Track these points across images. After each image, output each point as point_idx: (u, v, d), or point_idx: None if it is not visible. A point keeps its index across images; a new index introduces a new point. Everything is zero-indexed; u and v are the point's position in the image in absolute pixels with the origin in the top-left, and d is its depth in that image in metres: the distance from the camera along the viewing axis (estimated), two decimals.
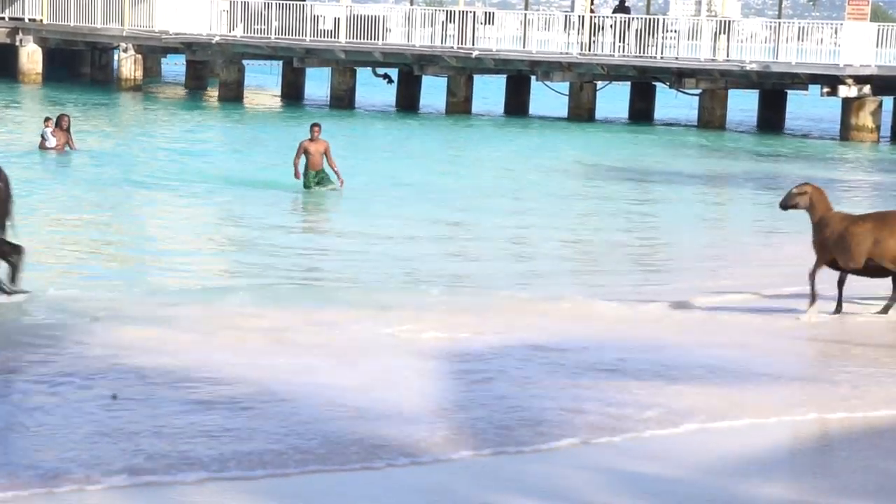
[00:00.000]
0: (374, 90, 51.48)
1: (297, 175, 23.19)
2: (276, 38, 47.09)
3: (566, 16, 46.44)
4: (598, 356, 10.62)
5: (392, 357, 10.41)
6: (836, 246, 12.12)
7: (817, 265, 12.41)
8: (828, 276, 12.53)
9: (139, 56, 49.67)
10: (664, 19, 45.55)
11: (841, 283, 12.50)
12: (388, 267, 16.09)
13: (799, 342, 11.56)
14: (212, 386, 9.19)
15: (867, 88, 40.50)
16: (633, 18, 44.24)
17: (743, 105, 48.93)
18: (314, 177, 23.18)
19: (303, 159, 23.22)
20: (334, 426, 8.31)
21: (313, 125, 23.57)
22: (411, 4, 50.52)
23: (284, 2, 47.12)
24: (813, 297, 12.31)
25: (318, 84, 50.61)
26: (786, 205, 12.70)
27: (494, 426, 8.41)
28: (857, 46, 40.52)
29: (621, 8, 46.01)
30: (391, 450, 7.84)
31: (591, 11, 45.93)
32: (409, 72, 47.56)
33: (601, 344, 11.14)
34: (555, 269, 16.78)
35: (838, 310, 12.46)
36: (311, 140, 23.20)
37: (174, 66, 58.24)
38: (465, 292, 14.17)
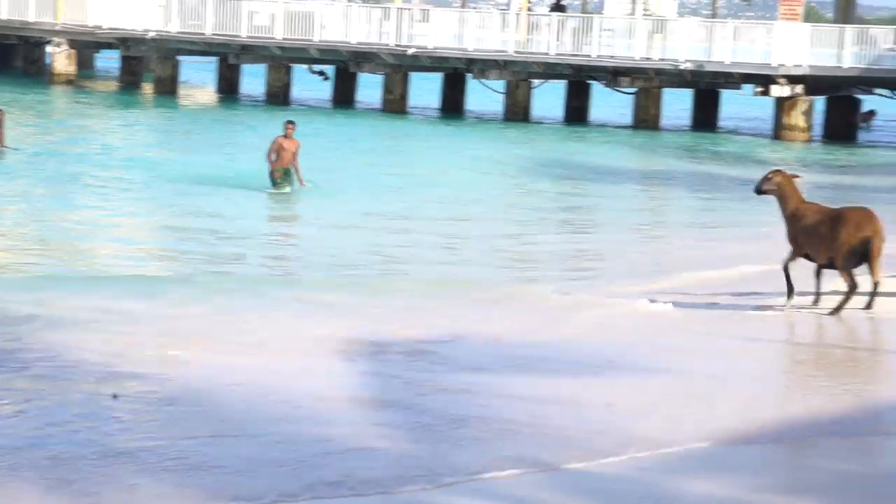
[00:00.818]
0: (310, 87, 51.33)
1: (276, 176, 22.68)
2: (211, 34, 46.82)
3: (503, 14, 46.50)
4: (523, 352, 10.63)
5: (306, 354, 10.36)
6: (813, 241, 12.16)
7: (791, 257, 12.44)
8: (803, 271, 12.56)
9: (72, 51, 49.22)
10: (600, 18, 45.71)
11: (818, 274, 12.41)
12: (317, 260, 16.08)
13: (737, 342, 11.59)
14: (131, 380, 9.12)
15: (800, 88, 40.85)
16: (568, 17, 44.39)
17: (677, 104, 49.23)
18: (283, 173, 22.78)
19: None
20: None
21: (288, 122, 23.20)
22: (348, 1, 50.38)
23: None
24: (789, 292, 12.38)
25: (254, 80, 50.38)
26: (759, 189, 12.77)
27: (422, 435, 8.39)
28: (790, 46, 40.87)
29: (557, 6, 46.17)
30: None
31: (528, 10, 46.02)
32: (345, 69, 47.47)
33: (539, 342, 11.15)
34: (486, 264, 16.79)
35: (816, 302, 12.39)
36: (286, 137, 22.82)
37: (108, 61, 57.74)
38: (396, 287, 14.15)
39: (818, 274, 12.39)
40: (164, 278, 14.24)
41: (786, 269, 12.38)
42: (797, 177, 12.90)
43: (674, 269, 16.14)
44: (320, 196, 22.62)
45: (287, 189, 22.71)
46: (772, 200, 12.91)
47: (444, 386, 9.31)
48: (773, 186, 12.60)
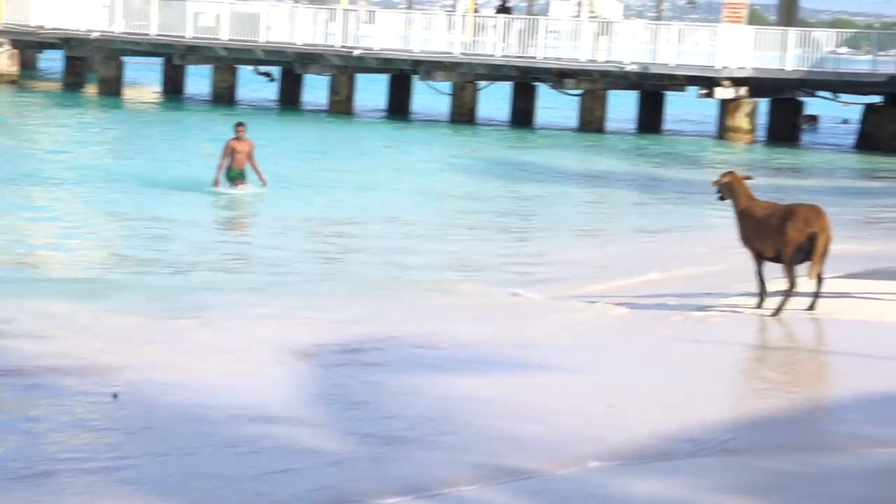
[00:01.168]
0: (256, 87, 51.21)
1: (216, 182, 22.45)
2: (156, 35, 46.55)
3: (449, 16, 46.54)
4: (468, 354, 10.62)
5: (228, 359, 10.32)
6: (762, 235, 12.28)
7: (756, 260, 12.45)
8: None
9: (15, 51, 48.80)
10: (546, 20, 45.83)
11: (760, 273, 12.44)
12: (260, 263, 16.03)
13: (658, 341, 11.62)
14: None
15: (743, 90, 41.13)
16: (514, 19, 44.48)
17: (623, 106, 49.44)
18: (237, 174, 22.57)
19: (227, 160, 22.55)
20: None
21: (238, 124, 22.98)
22: (294, 2, 50.25)
23: None
24: (761, 295, 12.40)
25: (199, 80, 50.17)
26: (718, 192, 12.95)
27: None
28: (733, 49, 41.14)
29: (503, 8, 46.25)
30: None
31: (474, 11, 46.08)
32: (291, 70, 47.36)
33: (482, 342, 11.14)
34: (427, 266, 16.77)
35: (761, 301, 12.40)
36: (237, 139, 22.61)
37: (51, 61, 57.28)
38: (333, 287, 14.11)
39: (760, 274, 12.43)
40: (103, 281, 14.13)
41: (759, 274, 12.49)
42: (750, 178, 13.03)
43: (618, 271, 16.20)
44: (265, 198, 22.53)
45: (244, 188, 22.50)
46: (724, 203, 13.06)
47: (395, 390, 9.28)
48: (723, 187, 12.76)
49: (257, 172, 22.67)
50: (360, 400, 8.98)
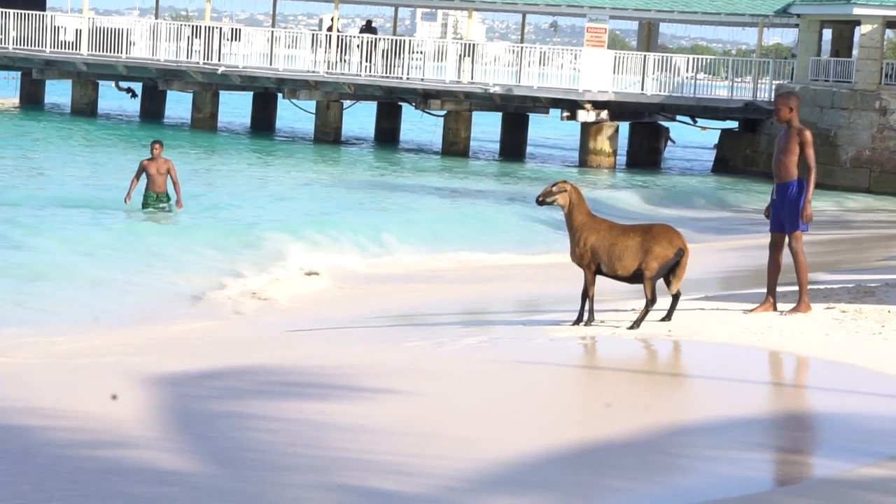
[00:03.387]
0: (118, 102, 50.60)
1: (127, 198, 21.31)
2: (13, 49, 45.67)
3: (313, 34, 46.44)
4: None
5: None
6: (605, 254, 12.11)
7: (590, 279, 12.21)
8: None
9: None
10: (411, 40, 46.02)
11: (591, 291, 12.25)
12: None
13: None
14: None
15: (605, 113, 41.73)
16: (380, 39, 44.58)
17: (487, 127, 49.80)
18: (155, 199, 21.47)
19: (143, 181, 21.45)
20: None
21: (154, 143, 21.64)
22: (156, 18, 49.72)
23: (23, 11, 45.71)
24: (591, 314, 12.27)
25: (61, 92, 49.41)
26: (543, 200, 12.40)
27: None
28: (595, 72, 41.72)
29: (368, 28, 46.30)
30: None
31: (339, 31, 46.05)
32: (154, 86, 46.86)
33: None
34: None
35: (590, 320, 12.30)
36: (152, 159, 21.28)
37: None
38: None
39: (592, 292, 12.20)
40: None
41: (587, 295, 12.28)
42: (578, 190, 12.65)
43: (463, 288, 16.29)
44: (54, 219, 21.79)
45: (163, 207, 21.51)
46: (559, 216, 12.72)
47: (248, 413, 9.20)
48: (563, 200, 12.31)
49: (177, 194, 21.50)
50: (212, 424, 8.88)
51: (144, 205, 21.57)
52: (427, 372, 10.62)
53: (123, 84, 49.12)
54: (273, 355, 11.43)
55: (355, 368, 10.89)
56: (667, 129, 48.30)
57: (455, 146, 43.31)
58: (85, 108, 46.66)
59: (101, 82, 47.93)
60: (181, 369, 10.58)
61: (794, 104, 12.53)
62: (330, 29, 45.78)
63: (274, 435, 8.55)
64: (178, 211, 21.59)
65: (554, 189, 12.43)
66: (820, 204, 31.58)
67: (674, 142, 52.97)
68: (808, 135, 12.44)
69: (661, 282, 12.29)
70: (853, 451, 8.06)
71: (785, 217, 12.54)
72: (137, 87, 49.38)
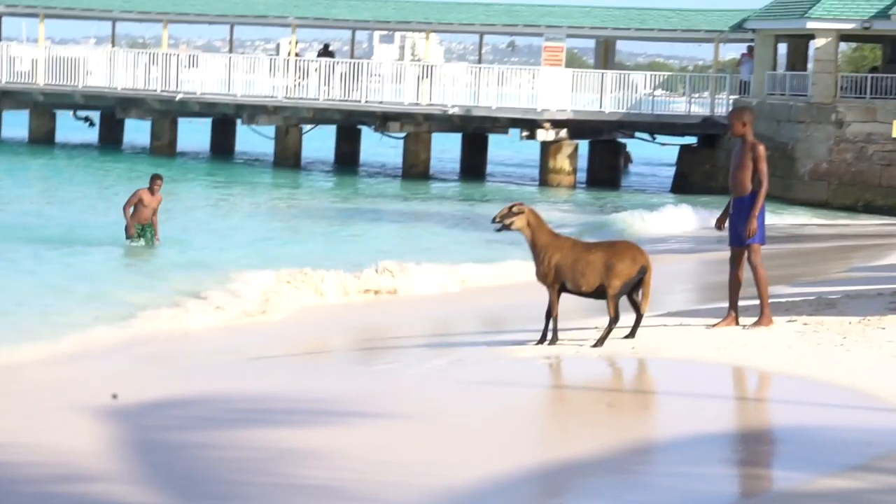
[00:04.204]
0: (76, 131, 50.41)
1: (130, 231, 21.17)
2: None
3: (271, 59, 46.41)
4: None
5: None
6: (569, 271, 12.10)
7: (554, 298, 12.17)
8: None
9: None
10: (369, 63, 46.07)
11: (555, 311, 12.21)
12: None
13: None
14: None
15: (564, 132, 41.87)
16: (337, 62, 44.60)
17: (447, 147, 49.89)
18: (140, 230, 21.31)
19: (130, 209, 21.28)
20: None
21: (155, 176, 21.56)
22: (113, 46, 49.59)
23: None
24: (555, 333, 12.25)
25: (17, 124, 49.15)
26: (501, 225, 12.28)
27: None
28: (553, 91, 41.88)
29: (326, 52, 46.32)
30: None
31: (296, 55, 46.06)
32: (112, 114, 46.73)
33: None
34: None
35: (554, 339, 12.27)
36: (151, 192, 21.25)
37: None
38: None
39: (556, 312, 12.18)
40: None
41: (551, 314, 12.26)
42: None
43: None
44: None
45: (142, 243, 21.32)
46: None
47: (206, 443, 9.15)
48: (521, 223, 12.21)
49: (154, 229, 21.45)
50: (175, 455, 8.82)
51: (127, 235, 21.37)
52: (392, 396, 10.60)
53: (81, 113, 48.96)
54: (236, 383, 11.38)
55: (320, 394, 10.86)
56: (624, 146, 48.58)
57: (415, 168, 43.33)
58: (42, 138, 46.50)
59: (58, 111, 47.74)
60: (141, 399, 10.52)
61: (747, 119, 12.63)
62: (289, 54, 45.81)
63: (238, 463, 8.51)
64: (157, 244, 21.49)
65: (511, 211, 12.38)
66: (779, 217, 31.82)
67: (631, 161, 53.33)
68: (760, 149, 12.53)
69: (624, 299, 12.32)
70: (815, 462, 8.10)
71: (742, 231, 12.62)
72: (95, 115, 49.22)
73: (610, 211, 33.42)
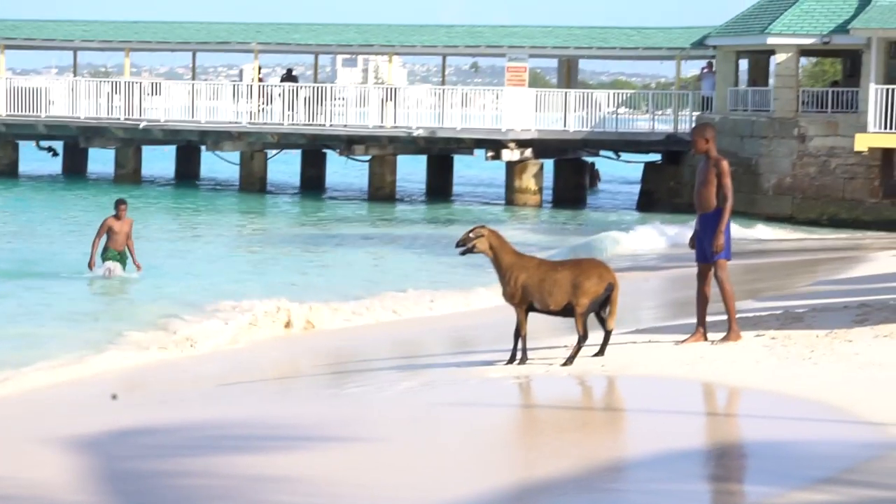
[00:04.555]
0: (40, 161, 50.23)
1: (91, 264, 20.91)
2: None
3: (234, 85, 46.39)
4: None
5: None
6: (536, 290, 12.12)
7: (522, 318, 12.20)
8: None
9: None
10: (332, 87, 46.11)
11: (524, 330, 12.26)
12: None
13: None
14: None
15: (529, 152, 41.98)
16: (301, 87, 44.60)
17: (413, 169, 49.91)
18: (116, 257, 21.05)
19: (103, 239, 21.07)
20: None
21: (119, 202, 21.30)
22: (75, 75, 49.44)
23: None
24: (524, 353, 12.27)
25: None
26: (464, 249, 12.34)
27: None
28: (517, 111, 42.01)
29: (289, 77, 46.33)
30: None
31: (260, 80, 46.04)
32: (75, 144, 46.58)
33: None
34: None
35: (524, 359, 12.30)
36: (117, 218, 21.00)
37: None
38: None
39: (524, 331, 12.23)
40: None
41: (520, 334, 12.27)
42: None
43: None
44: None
45: (121, 273, 21.04)
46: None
47: (181, 470, 9.11)
48: (483, 245, 12.24)
49: (132, 255, 21.20)
50: (144, 484, 8.79)
51: (105, 258, 21.16)
52: (365, 419, 10.59)
53: (44, 143, 48.78)
54: (205, 410, 11.35)
55: (292, 419, 10.84)
56: (592, 164, 48.73)
57: (381, 191, 43.36)
58: (6, 169, 46.31)
59: (20, 142, 47.56)
60: (110, 428, 10.47)
61: (709, 135, 12.69)
62: (252, 79, 45.80)
63: (211, 490, 8.48)
64: (138, 273, 21.23)
65: (471, 235, 12.38)
66: (745, 232, 31.96)
67: (600, 179, 53.59)
68: (724, 165, 12.59)
69: (592, 316, 12.35)
70: (785, 476, 8.14)
71: (708, 247, 12.67)
72: (58, 145, 49.07)
73: (586, 233, 33.42)
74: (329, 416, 10.87)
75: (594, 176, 53.10)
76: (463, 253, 12.50)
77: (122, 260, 21.23)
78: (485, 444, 9.66)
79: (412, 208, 41.47)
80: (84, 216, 33.71)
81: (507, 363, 12.44)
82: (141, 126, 44.03)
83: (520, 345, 12.42)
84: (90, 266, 21.08)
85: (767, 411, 10.32)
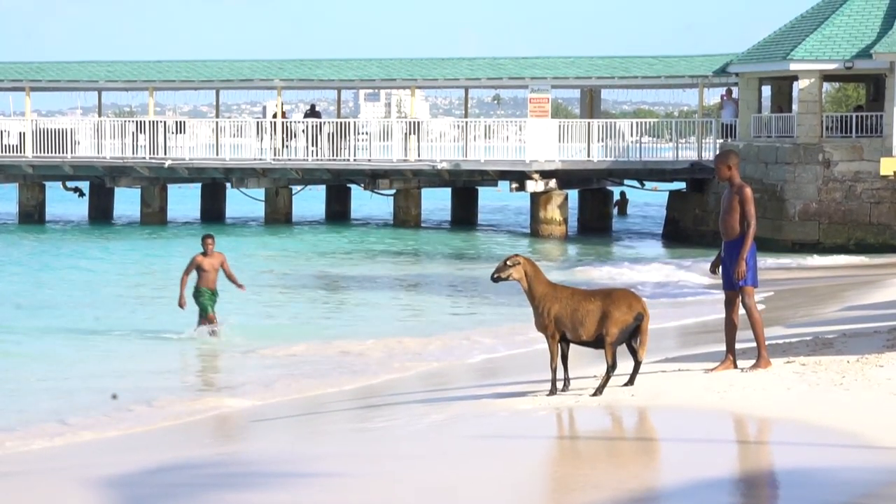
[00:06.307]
0: (66, 203, 50.44)
1: (181, 303, 19.87)
2: None
3: (258, 122, 46.56)
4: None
5: None
6: (568, 320, 12.17)
7: (554, 349, 12.31)
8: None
9: None
10: (355, 122, 46.24)
11: (565, 358, 12.45)
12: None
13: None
14: None
15: (553, 182, 41.94)
16: (324, 122, 44.74)
17: (438, 201, 49.93)
18: (210, 297, 20.06)
19: (193, 276, 20.10)
20: None
21: (206, 237, 20.40)
22: (99, 116, 49.73)
23: None
24: (561, 380, 12.37)
25: (6, 198, 49.20)
26: (497, 277, 12.49)
27: None
28: (540, 142, 42.01)
29: (312, 113, 46.48)
30: None
31: (283, 117, 46.21)
32: (102, 184, 46.77)
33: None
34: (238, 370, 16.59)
35: (553, 390, 12.34)
36: (205, 255, 20.07)
37: None
38: None
39: (558, 360, 12.32)
40: None
41: (555, 362, 12.33)
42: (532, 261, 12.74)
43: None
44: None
45: (217, 328, 19.93)
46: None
47: None
48: (518, 274, 12.39)
49: (233, 280, 20.23)
50: None
51: (202, 303, 20.16)
52: (394, 455, 10.55)
53: (71, 184, 49.01)
54: (233, 446, 11.32)
55: (322, 454, 10.80)
56: (623, 193, 48.70)
57: (406, 224, 43.43)
58: (33, 212, 46.47)
59: (47, 183, 47.81)
60: (136, 468, 10.47)
61: (732, 162, 12.66)
62: (275, 116, 45.97)
63: None
64: (242, 291, 20.63)
65: (508, 263, 12.52)
66: (771, 258, 31.82)
67: (628, 203, 53.85)
68: (747, 192, 12.56)
69: (623, 346, 12.31)
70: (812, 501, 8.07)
71: (733, 274, 12.61)
72: (84, 185, 49.27)
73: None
74: (358, 452, 10.83)
75: (624, 203, 53.14)
76: (496, 280, 12.58)
77: (213, 299, 20.27)
78: (516, 477, 9.61)
79: (439, 246, 41.31)
80: (132, 266, 33.60)
81: (548, 394, 12.43)
82: (166, 164, 44.21)
83: (559, 374, 12.44)
84: (181, 305, 20.12)
85: (797, 438, 10.24)
